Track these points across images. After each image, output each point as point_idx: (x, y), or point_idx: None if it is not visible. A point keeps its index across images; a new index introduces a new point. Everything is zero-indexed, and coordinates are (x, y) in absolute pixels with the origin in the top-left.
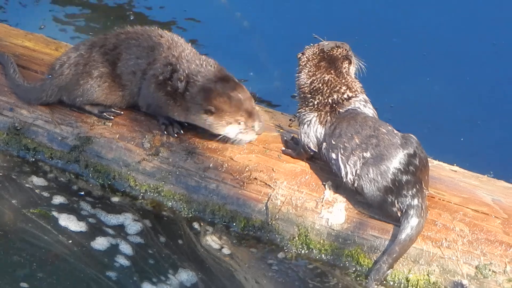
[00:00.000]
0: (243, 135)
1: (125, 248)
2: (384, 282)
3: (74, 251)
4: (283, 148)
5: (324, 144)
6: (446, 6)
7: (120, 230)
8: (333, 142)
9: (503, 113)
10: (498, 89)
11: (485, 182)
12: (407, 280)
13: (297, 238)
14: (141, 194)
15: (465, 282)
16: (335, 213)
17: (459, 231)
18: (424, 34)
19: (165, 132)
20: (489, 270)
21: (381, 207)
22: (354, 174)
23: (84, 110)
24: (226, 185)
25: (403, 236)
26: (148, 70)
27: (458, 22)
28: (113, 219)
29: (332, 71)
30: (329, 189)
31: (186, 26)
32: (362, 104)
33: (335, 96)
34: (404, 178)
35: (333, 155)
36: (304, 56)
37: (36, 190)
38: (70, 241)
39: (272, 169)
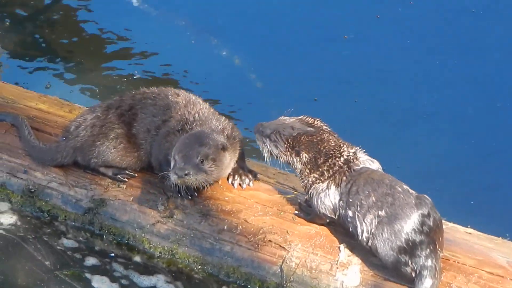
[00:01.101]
0: (171, 173)
1: None
2: None
3: None
4: (296, 212)
5: (341, 202)
6: None
7: None
8: (350, 200)
9: None
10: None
11: (500, 244)
12: None
13: None
14: (156, 256)
15: None
16: (350, 275)
17: None
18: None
19: (179, 194)
20: None
21: (395, 267)
22: (369, 232)
23: (99, 172)
24: (241, 247)
25: None
26: (162, 126)
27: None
28: (145, 280)
29: (330, 136)
30: (344, 251)
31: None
32: (369, 161)
33: (345, 157)
34: (418, 238)
35: (350, 213)
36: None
37: (68, 252)
38: None
39: (287, 232)
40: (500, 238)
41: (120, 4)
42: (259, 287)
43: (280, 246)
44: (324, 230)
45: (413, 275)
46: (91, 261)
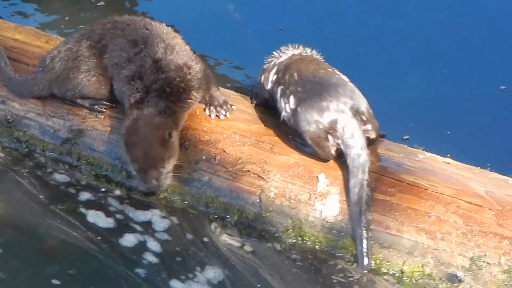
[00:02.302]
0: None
1: (153, 245)
2: (377, 272)
3: (102, 247)
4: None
5: (275, 77)
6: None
7: (147, 226)
8: (280, 79)
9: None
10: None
11: (478, 174)
12: (402, 272)
13: (291, 230)
14: (134, 186)
15: (459, 273)
16: (328, 205)
17: (453, 223)
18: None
19: None
20: (484, 261)
21: (315, 144)
22: (287, 110)
23: (76, 103)
24: (219, 178)
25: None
26: (125, 65)
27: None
28: (141, 215)
29: None
30: (323, 181)
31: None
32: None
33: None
34: (339, 114)
35: (278, 91)
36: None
37: (61, 187)
38: (99, 238)
39: (265, 162)
40: (478, 168)
41: None
42: (238, 217)
43: (259, 176)
44: (303, 160)
45: (337, 151)
46: (85, 196)
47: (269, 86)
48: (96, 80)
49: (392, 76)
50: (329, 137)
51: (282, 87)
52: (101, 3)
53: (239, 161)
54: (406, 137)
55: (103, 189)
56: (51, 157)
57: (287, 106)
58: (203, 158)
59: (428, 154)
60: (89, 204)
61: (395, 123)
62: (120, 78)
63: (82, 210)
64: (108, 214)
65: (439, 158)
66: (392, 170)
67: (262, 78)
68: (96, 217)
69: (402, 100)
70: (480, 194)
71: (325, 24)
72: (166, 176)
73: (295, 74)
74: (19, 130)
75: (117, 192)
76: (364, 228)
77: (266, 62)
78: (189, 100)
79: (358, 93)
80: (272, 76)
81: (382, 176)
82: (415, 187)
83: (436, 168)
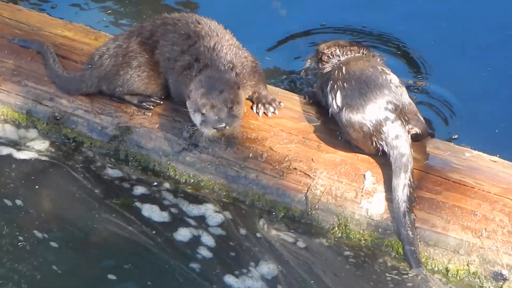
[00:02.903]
0: (204, 127)
1: (207, 239)
2: (425, 271)
3: (158, 242)
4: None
5: (325, 77)
6: None
7: (201, 221)
8: (331, 75)
9: None
10: None
11: None
12: (447, 270)
13: (337, 228)
14: (182, 183)
15: (505, 272)
16: (374, 203)
17: (499, 221)
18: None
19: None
20: None
21: (359, 143)
22: (336, 105)
23: (124, 100)
24: (266, 175)
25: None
26: (179, 58)
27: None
28: (194, 209)
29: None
30: (369, 179)
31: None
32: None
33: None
34: (383, 115)
35: (325, 86)
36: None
37: (115, 181)
38: (154, 232)
39: (312, 159)
40: None
41: None
42: (284, 214)
43: (305, 173)
44: (350, 158)
45: (381, 150)
46: (139, 190)
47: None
48: (146, 76)
49: (439, 74)
50: (373, 138)
51: (331, 81)
52: None
53: (286, 159)
54: (455, 137)
55: (155, 183)
56: (99, 152)
57: (333, 102)
58: (250, 155)
59: (475, 152)
60: (144, 198)
61: (444, 123)
62: (175, 70)
63: (137, 204)
64: (163, 208)
65: (485, 156)
66: (438, 168)
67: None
68: (151, 211)
69: (452, 99)
70: None
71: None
72: (233, 119)
73: (344, 68)
74: (67, 127)
75: (166, 185)
76: (409, 229)
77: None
78: None
79: (403, 93)
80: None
81: (429, 174)
82: (461, 185)
83: (482, 166)
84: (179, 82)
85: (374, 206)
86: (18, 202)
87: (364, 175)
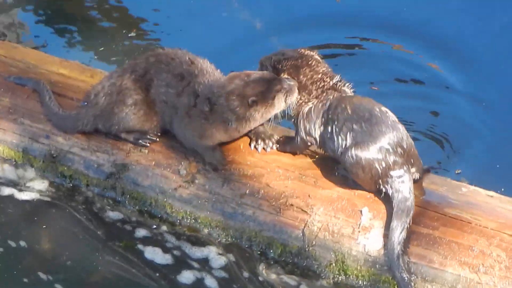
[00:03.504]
0: (290, 96)
1: (210, 282)
2: None
3: (161, 284)
4: (278, 145)
5: (323, 119)
6: None
7: (204, 263)
8: (329, 116)
9: None
10: None
11: None
12: None
13: (334, 264)
14: (178, 220)
15: None
16: (372, 239)
17: (496, 257)
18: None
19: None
20: None
21: (367, 184)
22: (343, 146)
23: (120, 138)
24: (263, 212)
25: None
26: (177, 102)
27: None
28: (197, 252)
29: (319, 64)
30: (366, 215)
31: None
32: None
33: (334, 82)
34: (392, 158)
35: (329, 128)
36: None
37: (117, 224)
38: (157, 274)
39: (309, 195)
40: None
41: None
42: (281, 251)
43: (302, 210)
44: (346, 194)
45: (384, 193)
46: (141, 232)
47: (317, 131)
48: (142, 113)
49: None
50: (380, 180)
51: (336, 122)
52: (132, 34)
53: (283, 195)
54: (458, 171)
55: (155, 226)
56: (97, 192)
57: (343, 143)
58: (247, 192)
59: (472, 187)
60: (146, 241)
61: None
62: (178, 115)
63: (140, 246)
64: (165, 250)
65: (482, 191)
66: (435, 204)
67: (305, 125)
68: (154, 254)
69: (454, 134)
70: None
71: None
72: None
73: (349, 108)
74: (63, 165)
75: (164, 227)
76: (403, 271)
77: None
78: None
79: (406, 134)
80: (318, 120)
81: (426, 209)
82: (458, 221)
83: (479, 201)
84: (188, 126)
85: (371, 242)
86: (22, 243)
87: (361, 211)
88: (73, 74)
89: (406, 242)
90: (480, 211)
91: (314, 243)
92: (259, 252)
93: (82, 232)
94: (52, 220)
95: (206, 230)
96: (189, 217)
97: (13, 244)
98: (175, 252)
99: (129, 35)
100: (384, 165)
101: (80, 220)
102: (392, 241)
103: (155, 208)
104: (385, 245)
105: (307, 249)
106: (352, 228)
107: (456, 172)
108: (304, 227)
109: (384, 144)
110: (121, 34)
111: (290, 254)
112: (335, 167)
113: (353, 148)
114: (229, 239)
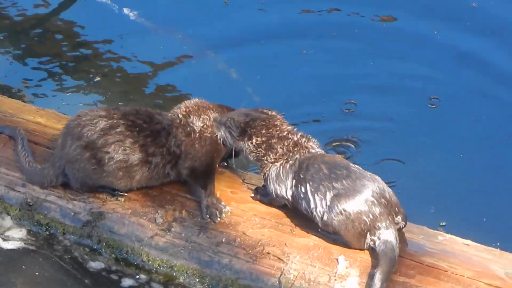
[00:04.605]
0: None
1: None
2: None
3: None
4: (252, 195)
5: (294, 181)
6: None
7: None
8: (302, 176)
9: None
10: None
11: (498, 256)
12: None
13: None
14: (154, 269)
15: None
16: (348, 287)
17: None
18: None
19: (207, 216)
20: None
21: (354, 239)
22: (324, 206)
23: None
24: (239, 260)
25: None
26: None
27: None
28: None
29: (283, 123)
30: (342, 263)
31: None
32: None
33: (298, 138)
34: (378, 209)
35: (303, 189)
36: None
37: (102, 273)
38: None
39: (285, 244)
40: (498, 249)
41: (116, 19)
42: None
43: (279, 258)
44: (322, 242)
45: (372, 245)
46: (127, 282)
47: (288, 192)
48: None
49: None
50: (368, 233)
51: (311, 183)
52: (97, 78)
53: (259, 243)
54: (443, 224)
55: (139, 276)
56: (73, 240)
57: (322, 202)
58: (223, 240)
59: (448, 235)
60: None
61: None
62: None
63: None
64: None
65: (459, 239)
66: (412, 252)
67: (275, 188)
68: None
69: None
70: (500, 276)
71: None
72: None
73: (324, 168)
74: (39, 213)
75: (143, 276)
76: None
77: (266, 170)
78: None
79: (386, 186)
80: (289, 181)
81: (403, 257)
82: (435, 269)
83: (456, 249)
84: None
85: None
86: None
87: (337, 259)
88: (50, 123)
89: None
90: (456, 259)
91: None
92: None
93: (70, 280)
94: (39, 269)
95: (182, 278)
96: (165, 265)
97: None
98: None
99: (95, 79)
100: (371, 216)
101: (67, 269)
102: None
103: (131, 256)
104: None
105: None
106: (329, 276)
107: (441, 224)
108: (281, 275)
109: (369, 197)
110: (87, 78)
111: None
112: (319, 229)
113: (339, 204)
114: (206, 287)
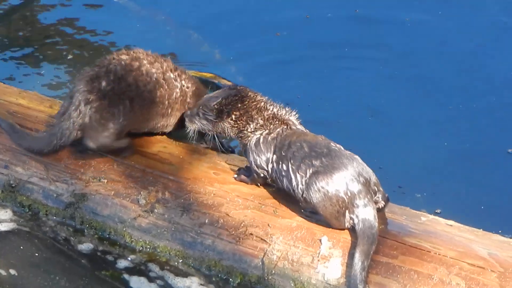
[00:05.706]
0: None
1: None
2: None
3: None
4: (235, 176)
5: (274, 156)
6: None
7: None
8: (283, 154)
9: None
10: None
11: (481, 236)
12: None
13: None
14: (137, 250)
15: None
16: (331, 268)
17: (455, 285)
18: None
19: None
20: None
21: (332, 217)
22: (303, 183)
23: None
24: (222, 241)
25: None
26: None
27: None
28: (180, 282)
29: (256, 94)
30: (325, 244)
31: None
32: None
33: (276, 109)
34: (356, 187)
35: (284, 167)
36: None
37: (97, 253)
38: None
39: (268, 225)
40: (481, 230)
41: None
42: (240, 280)
43: (262, 239)
44: (305, 223)
45: (351, 223)
46: (123, 263)
47: (269, 165)
48: None
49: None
50: (347, 211)
51: (292, 161)
52: (70, 56)
53: (242, 225)
54: (439, 211)
55: (133, 256)
56: (57, 221)
57: (303, 179)
58: (206, 221)
59: (431, 216)
60: (131, 271)
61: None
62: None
63: (125, 276)
64: (150, 280)
65: (442, 220)
66: (395, 233)
67: (255, 158)
68: (139, 283)
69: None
70: (482, 256)
71: None
72: None
73: (305, 146)
74: (22, 195)
75: (132, 256)
76: None
77: (246, 141)
78: None
79: (365, 165)
80: (270, 153)
81: (385, 238)
82: (418, 249)
83: (439, 230)
84: None
85: (331, 271)
86: (12, 271)
87: (320, 240)
88: (32, 104)
89: (368, 269)
90: (439, 240)
91: (273, 272)
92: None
93: (67, 261)
94: (36, 250)
95: (164, 259)
96: (148, 247)
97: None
98: (158, 281)
99: (68, 57)
100: (349, 194)
101: (63, 250)
102: (355, 268)
103: (114, 237)
104: (346, 274)
105: (266, 278)
106: (312, 257)
107: (436, 211)
108: (264, 256)
109: (347, 174)
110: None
111: (250, 283)
112: (301, 210)
113: (317, 181)
114: (188, 268)
